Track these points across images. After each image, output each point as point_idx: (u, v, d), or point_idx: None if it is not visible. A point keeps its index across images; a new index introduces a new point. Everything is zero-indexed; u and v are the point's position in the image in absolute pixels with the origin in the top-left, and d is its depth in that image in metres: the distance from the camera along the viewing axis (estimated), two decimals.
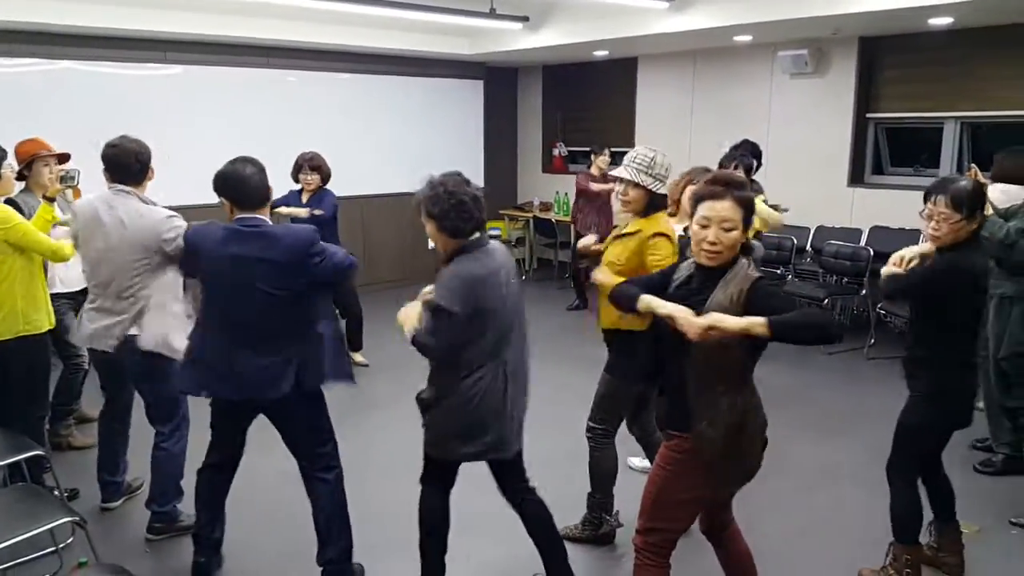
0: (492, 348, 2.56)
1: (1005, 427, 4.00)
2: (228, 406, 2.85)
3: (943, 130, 6.51)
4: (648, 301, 2.28)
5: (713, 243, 2.21)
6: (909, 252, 2.93)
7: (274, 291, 2.66)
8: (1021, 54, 5.86)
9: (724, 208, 2.20)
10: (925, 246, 2.95)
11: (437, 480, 2.77)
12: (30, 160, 3.88)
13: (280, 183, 3.44)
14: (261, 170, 2.78)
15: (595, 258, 3.22)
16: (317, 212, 5.27)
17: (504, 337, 2.58)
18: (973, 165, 4.21)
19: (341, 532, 2.93)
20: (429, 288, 2.60)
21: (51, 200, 3.49)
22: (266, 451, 3.08)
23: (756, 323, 2.08)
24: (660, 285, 2.39)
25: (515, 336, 2.63)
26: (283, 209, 5.23)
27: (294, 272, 2.67)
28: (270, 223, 2.76)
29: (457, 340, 2.51)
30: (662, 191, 3.04)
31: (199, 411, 3.10)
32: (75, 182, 3.52)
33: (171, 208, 3.21)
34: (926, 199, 2.81)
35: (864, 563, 3.11)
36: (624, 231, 3.08)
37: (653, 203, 3.04)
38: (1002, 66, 6.03)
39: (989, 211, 3.79)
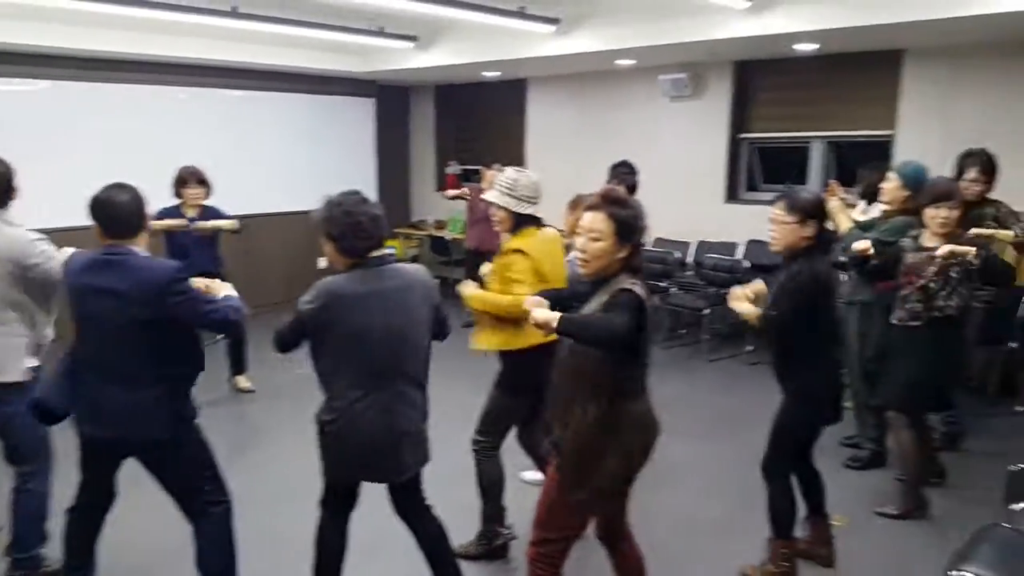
0: (364, 373, 2.53)
1: (870, 423, 4.29)
2: (96, 444, 2.68)
3: (810, 148, 6.96)
4: (527, 307, 2.36)
5: (581, 251, 2.35)
6: (743, 291, 3.15)
7: (130, 325, 2.52)
8: (880, 78, 6.35)
9: (595, 220, 2.32)
10: (755, 284, 3.19)
11: (335, 503, 2.73)
12: None
13: (161, 201, 3.30)
14: (135, 198, 2.64)
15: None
16: (234, 223, 5.12)
17: (386, 361, 2.55)
18: (832, 181, 4.55)
19: (226, 571, 2.80)
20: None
21: None
22: (143, 487, 2.86)
23: (552, 317, 2.21)
24: (561, 297, 2.53)
25: (399, 363, 2.59)
26: (158, 223, 4.78)
27: (142, 306, 2.51)
28: (140, 254, 2.61)
29: (298, 340, 2.55)
30: (527, 211, 3.15)
31: (66, 448, 2.91)
32: None
33: (41, 231, 3.04)
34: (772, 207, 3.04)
35: (746, 560, 3.25)
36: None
37: (519, 222, 3.15)
38: (862, 89, 6.51)
39: (845, 225, 4.12)
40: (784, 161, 7.31)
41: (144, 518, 3.28)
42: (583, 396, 2.30)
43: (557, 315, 2.22)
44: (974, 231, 3.70)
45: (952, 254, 3.34)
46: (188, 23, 6.07)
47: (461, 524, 3.19)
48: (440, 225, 9.43)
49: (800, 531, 3.25)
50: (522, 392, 3.16)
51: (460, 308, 3.57)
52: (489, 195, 3.19)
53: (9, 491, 3.11)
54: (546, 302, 2.36)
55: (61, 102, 6.88)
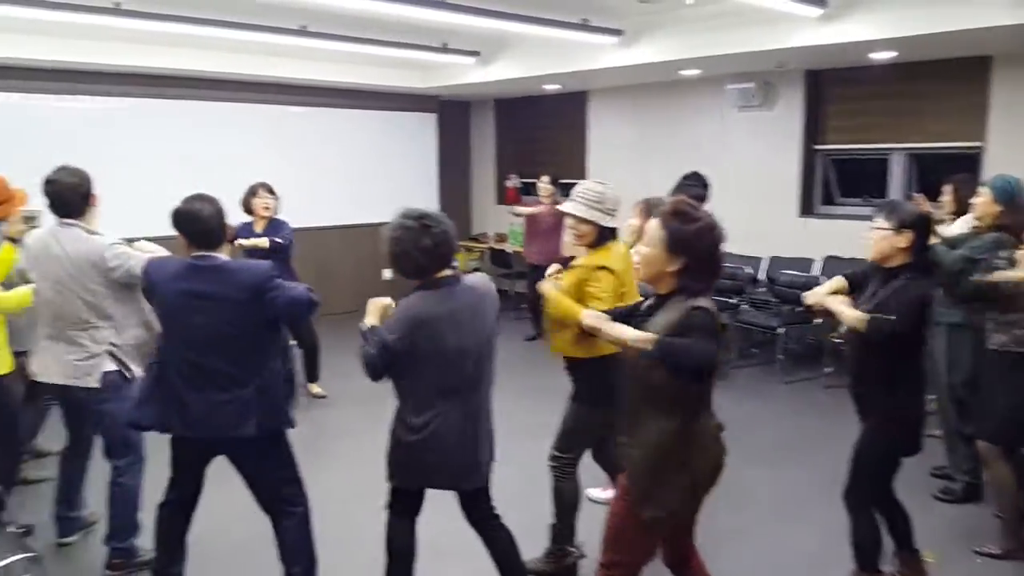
0: (447, 386, 2.58)
1: (962, 454, 4.01)
2: (187, 443, 2.79)
3: (889, 161, 6.69)
4: (594, 321, 2.35)
5: (639, 255, 2.34)
6: (824, 288, 2.97)
7: (228, 327, 2.63)
8: (966, 86, 6.05)
9: (651, 225, 2.29)
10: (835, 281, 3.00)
11: (402, 507, 2.76)
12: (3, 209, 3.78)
13: (233, 218, 3.39)
14: (218, 210, 2.77)
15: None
16: (278, 239, 5.19)
17: (461, 375, 2.59)
18: (917, 194, 4.33)
19: (308, 571, 2.90)
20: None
21: (14, 240, 3.43)
22: (229, 484, 2.98)
23: (643, 338, 2.15)
24: (628, 313, 2.44)
25: (479, 373, 2.65)
26: (243, 242, 5.07)
27: (249, 308, 2.63)
28: (225, 259, 2.74)
29: (389, 368, 2.53)
30: (611, 224, 3.06)
31: (158, 445, 3.02)
32: (36, 222, 3.47)
33: (124, 240, 3.21)
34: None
35: None
36: (576, 263, 3.10)
37: (603, 236, 3.06)
38: (947, 98, 6.21)
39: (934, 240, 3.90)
40: (862, 174, 7.04)
41: (229, 513, 3.39)
42: (656, 411, 2.25)
43: (649, 335, 2.16)
44: None
45: None
46: (258, 42, 6.21)
47: (527, 539, 3.12)
48: (501, 238, 9.41)
49: (889, 566, 3.07)
50: (600, 403, 3.06)
51: (523, 319, 3.50)
52: (572, 208, 3.04)
53: (106, 485, 3.27)
54: (606, 318, 2.36)
55: (139, 119, 7.12)
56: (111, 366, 3.14)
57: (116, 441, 3.25)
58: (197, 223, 2.70)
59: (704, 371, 2.15)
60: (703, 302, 2.21)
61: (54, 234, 3.12)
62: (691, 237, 2.23)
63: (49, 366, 3.16)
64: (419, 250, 2.51)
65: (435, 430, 2.56)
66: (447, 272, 2.60)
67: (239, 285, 2.63)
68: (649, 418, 2.25)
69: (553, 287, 3.05)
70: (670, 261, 2.23)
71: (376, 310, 2.64)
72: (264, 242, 5.15)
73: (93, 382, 3.11)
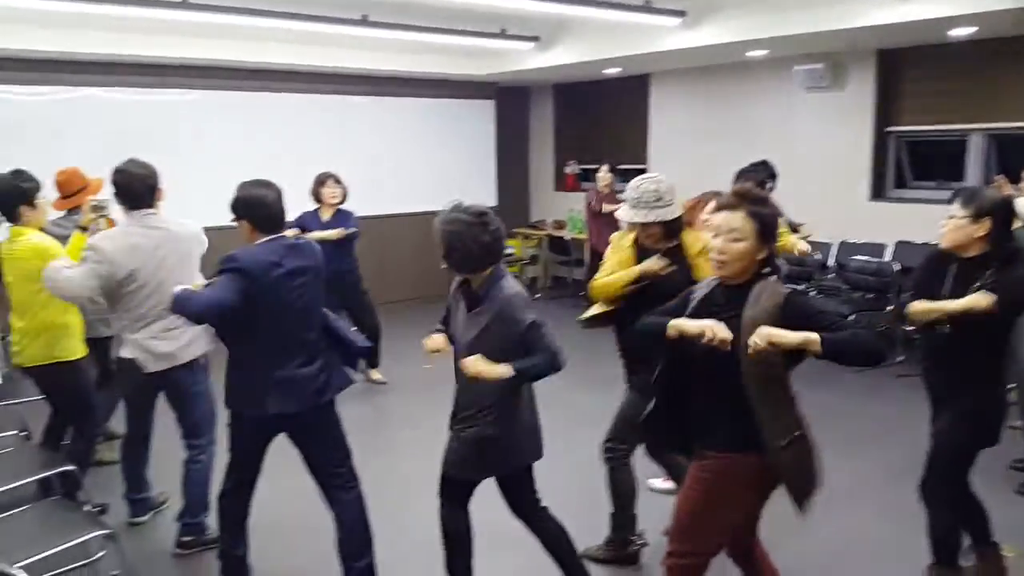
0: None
1: None
2: (254, 424, 2.83)
3: (967, 143, 6.41)
4: (677, 325, 2.25)
5: (720, 252, 2.23)
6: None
7: (315, 298, 2.82)
8: None
9: (734, 219, 2.22)
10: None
11: (453, 493, 2.78)
12: (77, 198, 3.97)
13: (293, 206, 3.44)
14: (278, 193, 2.84)
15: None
16: (350, 230, 5.30)
17: None
18: (999, 176, 4.13)
19: (363, 550, 2.95)
20: None
21: (84, 229, 3.51)
22: (285, 469, 3.09)
23: (811, 339, 2.06)
24: (679, 309, 2.37)
25: None
26: (316, 234, 5.06)
27: (320, 280, 2.87)
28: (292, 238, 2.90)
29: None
30: (675, 215, 3.02)
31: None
32: (107, 211, 3.54)
33: None
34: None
35: None
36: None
37: (672, 228, 3.03)
38: None
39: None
40: (938, 156, 6.78)
41: (289, 496, 3.50)
42: (786, 407, 2.22)
43: (814, 336, 2.06)
44: None
45: None
46: (321, 33, 6.30)
47: (588, 529, 3.15)
48: (559, 225, 9.37)
49: (965, 560, 2.98)
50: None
51: (581, 306, 3.49)
52: (631, 215, 3.01)
53: (182, 463, 3.40)
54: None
55: (204, 112, 7.32)
56: (205, 344, 3.33)
57: (203, 419, 3.39)
58: (263, 207, 2.76)
59: (883, 358, 2.14)
60: (783, 287, 2.23)
61: (143, 223, 3.19)
62: (774, 220, 2.26)
63: (159, 355, 3.24)
64: (477, 244, 2.52)
65: (509, 418, 2.61)
66: (490, 269, 2.61)
67: (318, 258, 2.85)
68: (784, 415, 2.21)
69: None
70: (761, 249, 2.22)
71: (488, 372, 2.47)
72: (333, 234, 5.22)
73: (194, 354, 3.30)
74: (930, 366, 2.92)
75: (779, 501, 2.35)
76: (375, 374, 5.84)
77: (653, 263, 3.02)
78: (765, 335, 2.06)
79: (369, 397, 5.53)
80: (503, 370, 2.42)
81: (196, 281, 3.13)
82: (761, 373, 2.16)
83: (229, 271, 2.67)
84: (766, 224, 2.22)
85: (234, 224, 2.81)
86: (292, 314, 2.75)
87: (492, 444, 2.61)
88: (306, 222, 5.29)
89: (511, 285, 2.60)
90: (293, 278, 2.73)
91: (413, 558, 3.26)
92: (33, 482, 3.21)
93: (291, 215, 3.08)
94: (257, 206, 2.76)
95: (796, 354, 2.13)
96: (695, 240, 3.02)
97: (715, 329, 2.12)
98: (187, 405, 3.39)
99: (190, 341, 3.28)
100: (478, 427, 2.59)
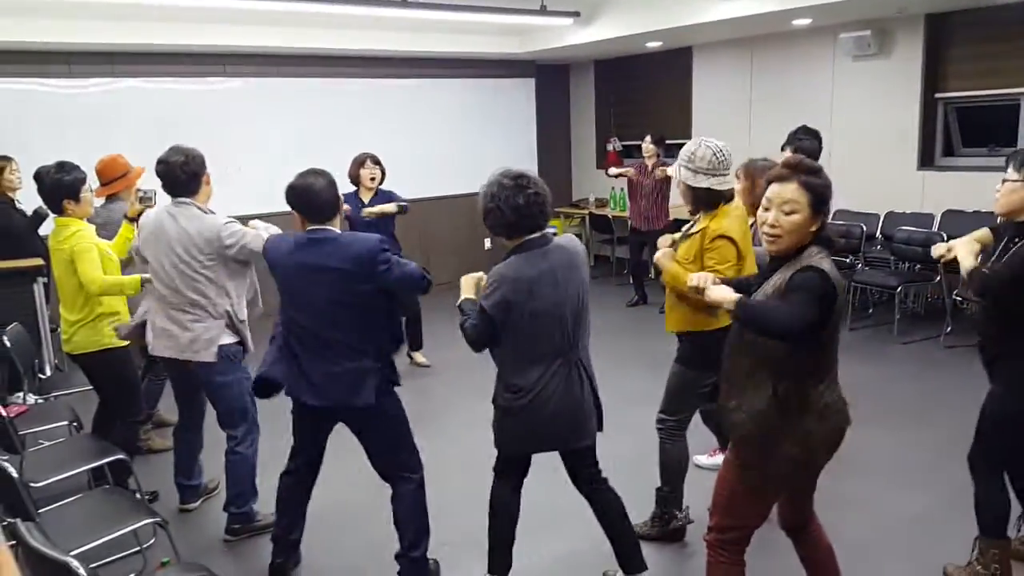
0: (549, 348, 2.59)
1: None
2: (307, 411, 2.87)
3: (1020, 107, 6.21)
4: (693, 279, 2.31)
5: (773, 225, 2.17)
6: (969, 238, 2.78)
7: (343, 298, 2.69)
8: None
9: (787, 191, 2.15)
10: (979, 232, 2.80)
11: (508, 471, 2.82)
12: (120, 186, 4.08)
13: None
14: (331, 183, 2.80)
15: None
16: (402, 203, 5.31)
17: (562, 335, 2.60)
18: None
19: (420, 535, 2.94)
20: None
21: (132, 220, 3.59)
22: (344, 452, 3.13)
23: (730, 299, 2.14)
24: (749, 283, 2.38)
25: (577, 331, 2.64)
26: (372, 209, 5.20)
27: (362, 279, 2.68)
28: (338, 232, 2.79)
29: (491, 335, 2.57)
30: (705, 184, 2.88)
31: (278, 414, 3.17)
32: (152, 202, 3.57)
33: (237, 218, 3.30)
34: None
35: (949, 559, 2.99)
36: (692, 230, 3.01)
37: (703, 198, 2.93)
38: None
39: None
40: (989, 122, 6.57)
41: (346, 482, 3.55)
42: (760, 377, 2.19)
43: (735, 296, 2.14)
44: None
45: None
46: (361, 16, 6.34)
47: (636, 506, 3.14)
48: (601, 203, 9.33)
49: (1014, 531, 2.94)
50: (707, 367, 2.98)
51: (625, 284, 3.48)
52: (672, 171, 3.02)
53: (224, 454, 3.42)
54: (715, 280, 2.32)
55: (249, 99, 7.42)
56: (229, 339, 3.27)
57: (232, 411, 3.36)
58: (311, 197, 2.74)
59: (790, 336, 2.06)
60: (820, 262, 2.12)
61: (169, 212, 3.22)
62: (826, 190, 2.17)
63: (164, 341, 3.27)
64: (510, 207, 2.50)
65: (539, 393, 2.58)
66: (536, 235, 2.59)
67: (351, 257, 2.68)
68: (757, 385, 2.19)
69: (667, 257, 2.98)
70: (814, 221, 2.15)
71: (469, 285, 2.71)
72: (392, 207, 5.26)
73: (209, 356, 3.23)
74: (982, 335, 2.85)
75: (829, 475, 2.35)
76: (419, 357, 5.87)
77: (665, 240, 3.10)
78: (697, 279, 2.20)
79: (413, 380, 5.48)
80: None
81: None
82: (749, 344, 2.20)
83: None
84: (818, 194, 2.14)
85: (287, 211, 2.82)
86: (304, 308, 2.73)
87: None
88: (350, 203, 5.25)
89: (515, 264, 2.56)
90: (309, 273, 2.70)
91: (465, 537, 3.28)
92: (85, 471, 3.26)
93: None
94: (305, 196, 2.75)
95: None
96: (715, 226, 2.90)
97: (702, 277, 2.22)
98: (214, 397, 3.39)
99: (203, 333, 3.23)
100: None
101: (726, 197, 2.96)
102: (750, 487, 2.28)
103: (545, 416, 2.60)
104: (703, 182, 2.89)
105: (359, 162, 5.44)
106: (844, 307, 2.18)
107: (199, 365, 3.26)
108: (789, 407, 2.17)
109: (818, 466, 2.30)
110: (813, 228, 2.17)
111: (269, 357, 2.85)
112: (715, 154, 2.89)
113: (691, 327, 2.99)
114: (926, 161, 6.72)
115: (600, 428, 2.78)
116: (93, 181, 3.81)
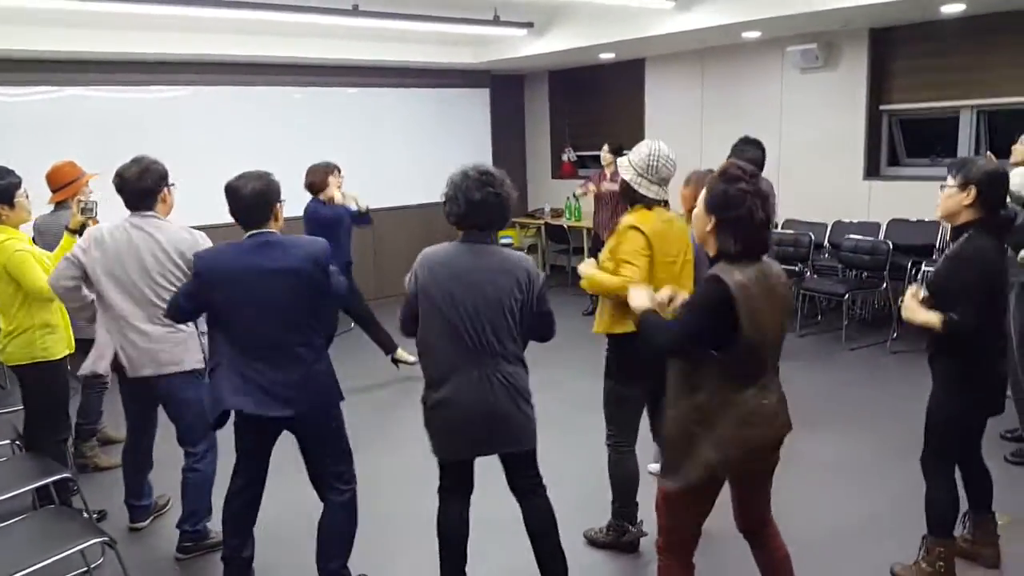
0: (465, 347, 2.52)
1: None
2: (255, 426, 2.78)
3: (959, 120, 6.42)
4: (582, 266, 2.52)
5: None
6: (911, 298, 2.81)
7: (300, 300, 2.66)
8: None
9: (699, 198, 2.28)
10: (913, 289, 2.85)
11: (450, 486, 2.75)
12: (69, 192, 3.94)
13: (292, 199, 3.41)
14: (267, 184, 2.71)
15: None
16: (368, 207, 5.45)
17: (467, 338, 2.52)
18: (989, 152, 4.15)
19: (342, 548, 2.92)
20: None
21: (74, 232, 3.42)
22: (292, 471, 3.05)
23: (638, 306, 2.32)
24: None
25: (493, 339, 2.54)
26: (350, 192, 5.40)
27: (317, 280, 2.67)
28: (278, 235, 2.72)
29: (411, 316, 2.61)
30: (628, 177, 2.99)
31: (222, 432, 3.06)
32: (93, 213, 3.45)
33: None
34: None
35: (896, 559, 3.05)
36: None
37: (626, 192, 3.03)
38: (1017, 53, 5.92)
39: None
40: (930, 134, 6.79)
41: (296, 498, 3.39)
42: (686, 383, 2.25)
43: (644, 305, 2.30)
44: None
45: None
46: (312, 24, 6.27)
47: (585, 513, 3.14)
48: (557, 213, 9.37)
49: (960, 529, 3.02)
50: (632, 379, 3.01)
51: (582, 294, 3.50)
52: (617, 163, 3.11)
53: (180, 472, 3.32)
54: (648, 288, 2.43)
55: (198, 108, 7.29)
56: (197, 353, 3.20)
57: (195, 428, 3.24)
58: (236, 199, 2.67)
59: (669, 353, 2.22)
60: (725, 272, 2.13)
61: (135, 225, 3.10)
62: (728, 197, 2.14)
63: (143, 359, 3.14)
64: (466, 199, 2.50)
65: (450, 396, 2.54)
66: (483, 232, 2.57)
67: (309, 257, 2.65)
68: (683, 391, 2.25)
69: (587, 265, 3.06)
70: (708, 220, 2.20)
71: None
72: (365, 204, 5.47)
73: (188, 365, 3.17)
74: (928, 339, 2.90)
75: (777, 479, 2.38)
76: (402, 353, 5.55)
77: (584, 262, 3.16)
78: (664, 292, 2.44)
79: (370, 393, 5.39)
80: None
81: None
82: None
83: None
84: (713, 195, 2.18)
85: (229, 222, 2.75)
86: (249, 315, 2.64)
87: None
88: (316, 210, 5.29)
89: (440, 247, 2.58)
90: (263, 277, 2.62)
91: (399, 548, 3.27)
92: (29, 491, 3.15)
93: (290, 209, 2.99)
94: (232, 199, 2.68)
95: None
96: (628, 219, 2.96)
97: (632, 300, 2.37)
98: (177, 412, 3.28)
99: (177, 346, 3.16)
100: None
101: (648, 203, 3.00)
102: (674, 490, 2.31)
103: (458, 417, 2.56)
104: (628, 175, 2.99)
105: (327, 171, 5.38)
106: (769, 313, 2.16)
107: (168, 379, 3.16)
108: (709, 412, 2.21)
109: (741, 471, 2.32)
110: (708, 228, 2.19)
111: (227, 386, 2.71)
112: (650, 156, 2.97)
113: (605, 328, 3.05)
114: (872, 171, 6.91)
115: (533, 438, 2.69)
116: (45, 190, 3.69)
